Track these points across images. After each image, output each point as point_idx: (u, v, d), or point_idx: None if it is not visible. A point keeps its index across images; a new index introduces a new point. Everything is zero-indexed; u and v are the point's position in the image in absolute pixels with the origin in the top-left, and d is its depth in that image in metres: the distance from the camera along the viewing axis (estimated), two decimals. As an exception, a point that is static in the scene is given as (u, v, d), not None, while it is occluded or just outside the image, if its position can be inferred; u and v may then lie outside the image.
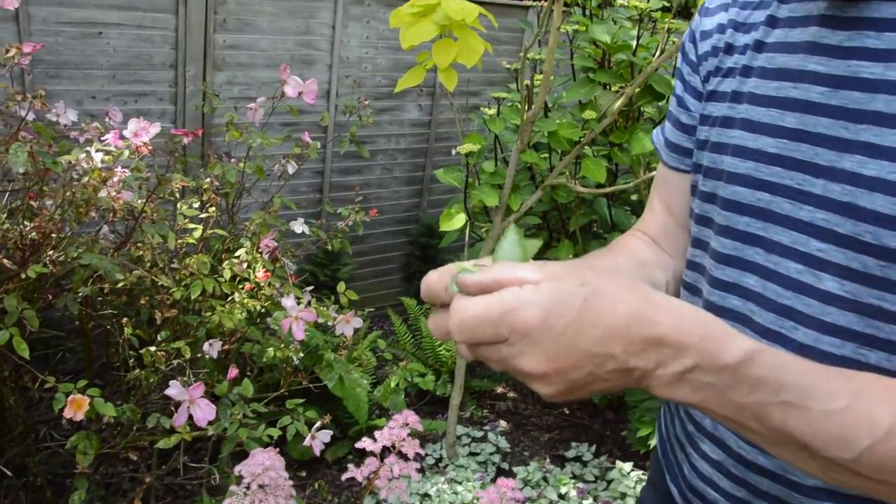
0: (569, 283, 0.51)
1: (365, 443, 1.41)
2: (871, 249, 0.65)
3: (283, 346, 1.98)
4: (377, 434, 1.38)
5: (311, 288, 2.17)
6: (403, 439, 1.32)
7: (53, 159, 1.63)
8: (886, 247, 0.64)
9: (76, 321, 2.02)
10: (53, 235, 1.54)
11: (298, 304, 1.78)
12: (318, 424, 1.69)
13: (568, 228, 2.79)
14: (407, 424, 1.34)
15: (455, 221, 2.48)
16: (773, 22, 0.77)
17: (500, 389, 3.27)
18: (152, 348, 1.77)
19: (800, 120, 0.72)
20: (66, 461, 1.97)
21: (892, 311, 0.65)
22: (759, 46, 0.78)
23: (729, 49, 0.83)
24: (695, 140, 0.86)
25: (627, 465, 2.67)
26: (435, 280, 0.55)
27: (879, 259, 0.65)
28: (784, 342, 0.72)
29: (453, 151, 2.50)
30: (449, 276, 0.54)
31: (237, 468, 1.45)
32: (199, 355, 1.87)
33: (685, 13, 3.51)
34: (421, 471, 2.33)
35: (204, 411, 1.40)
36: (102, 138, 1.91)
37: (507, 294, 0.50)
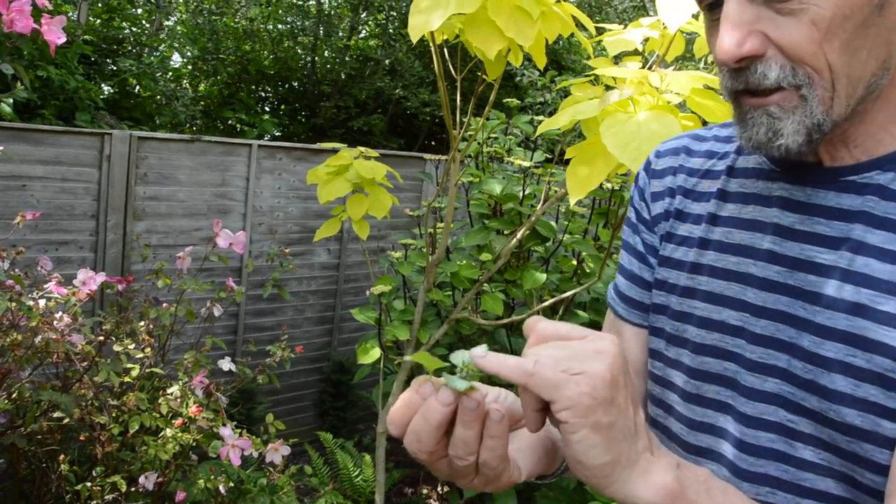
0: None
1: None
2: (837, 426, 0.66)
3: (212, 477, 2.09)
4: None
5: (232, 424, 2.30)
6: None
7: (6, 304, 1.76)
8: (850, 424, 0.65)
9: (4, 462, 2.06)
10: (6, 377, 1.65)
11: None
12: (254, 547, 1.80)
13: (472, 358, 3.06)
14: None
15: (371, 355, 2.70)
16: (724, 196, 0.80)
17: (414, 518, 3.38)
18: (88, 483, 1.86)
19: (759, 296, 0.73)
20: None
21: (863, 483, 0.66)
22: (714, 220, 0.80)
23: (680, 216, 0.83)
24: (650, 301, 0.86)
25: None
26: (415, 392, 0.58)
27: (845, 435, 0.66)
28: None
29: (367, 293, 2.76)
30: (434, 384, 0.57)
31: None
32: (132, 489, 1.96)
33: (562, 160, 4.01)
34: None
35: (154, 534, 1.51)
36: (45, 286, 2.06)
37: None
